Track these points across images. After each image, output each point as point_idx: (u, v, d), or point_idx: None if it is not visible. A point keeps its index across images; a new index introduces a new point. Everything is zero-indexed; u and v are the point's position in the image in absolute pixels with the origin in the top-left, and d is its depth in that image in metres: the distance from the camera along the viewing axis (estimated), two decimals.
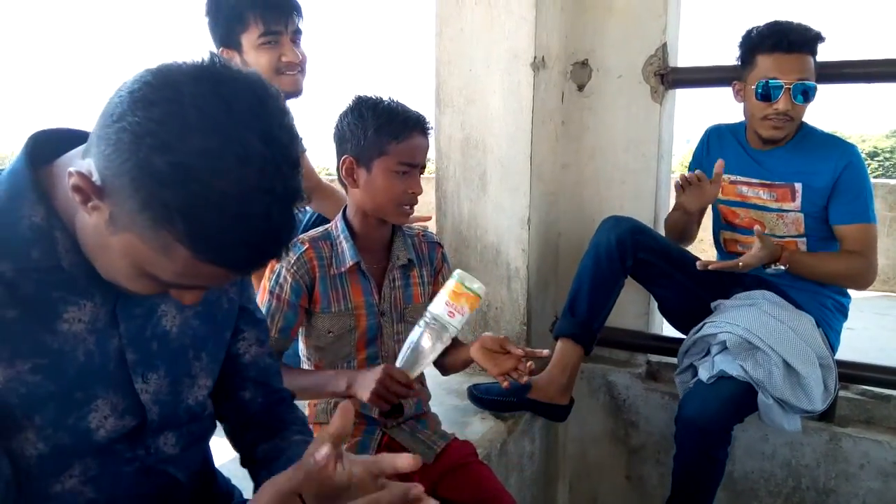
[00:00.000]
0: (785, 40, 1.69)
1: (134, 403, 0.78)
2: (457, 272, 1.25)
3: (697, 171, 1.81)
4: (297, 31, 1.69)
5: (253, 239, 0.63)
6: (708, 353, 1.76)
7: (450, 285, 1.24)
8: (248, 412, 0.97)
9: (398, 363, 1.23)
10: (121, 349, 0.76)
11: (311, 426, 1.43)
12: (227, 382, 0.95)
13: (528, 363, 1.34)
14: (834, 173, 1.73)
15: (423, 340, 1.21)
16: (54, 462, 0.73)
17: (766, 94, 1.71)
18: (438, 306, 1.22)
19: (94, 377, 0.74)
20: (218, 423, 0.98)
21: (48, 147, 0.73)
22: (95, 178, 0.63)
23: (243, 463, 0.98)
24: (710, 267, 1.71)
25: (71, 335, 0.72)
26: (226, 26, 1.65)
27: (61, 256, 0.70)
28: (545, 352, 1.36)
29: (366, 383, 1.23)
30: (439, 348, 1.21)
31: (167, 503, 0.85)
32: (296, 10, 1.68)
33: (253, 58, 1.64)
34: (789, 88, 1.69)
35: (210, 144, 0.59)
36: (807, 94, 1.70)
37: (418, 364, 1.22)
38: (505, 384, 1.36)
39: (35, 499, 0.73)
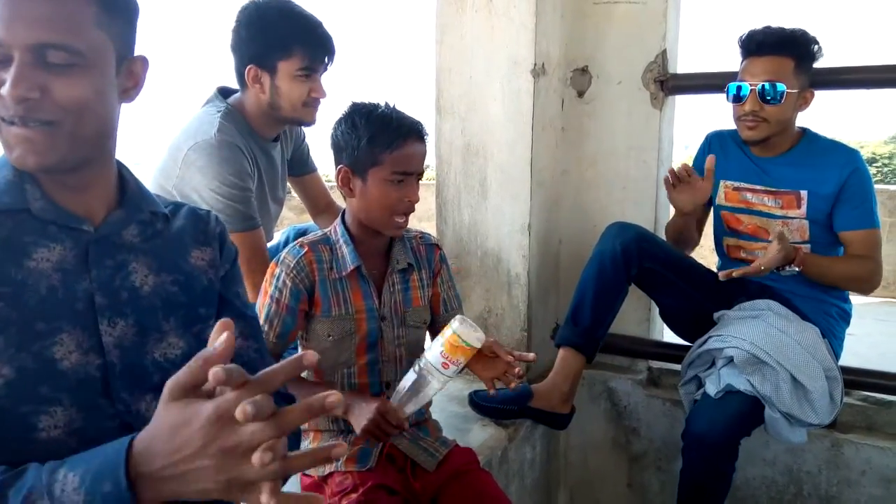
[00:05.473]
0: (753, 44, 1.73)
1: (99, 343, 0.82)
2: (456, 322, 1.24)
3: (685, 164, 1.81)
4: (326, 69, 1.79)
5: None
6: (713, 364, 1.76)
7: (447, 335, 1.23)
8: None
9: (392, 400, 1.26)
10: (90, 292, 0.82)
11: (310, 432, 1.43)
12: None
13: (517, 370, 1.33)
14: (840, 180, 1.74)
15: (416, 385, 1.24)
16: (23, 388, 0.76)
17: (735, 96, 1.75)
18: (434, 355, 1.23)
19: (57, 312, 0.80)
20: None
21: None
22: None
23: None
24: (734, 274, 1.66)
25: (36, 271, 0.80)
26: (265, 47, 1.70)
27: (30, 202, 0.81)
28: (531, 356, 1.36)
29: (361, 416, 1.26)
30: (431, 394, 1.25)
31: None
32: (333, 53, 1.77)
33: (286, 85, 1.72)
34: (755, 89, 1.71)
35: None
36: (774, 95, 1.70)
37: (411, 404, 1.25)
38: (492, 391, 1.38)
39: (19, 441, 0.76)
